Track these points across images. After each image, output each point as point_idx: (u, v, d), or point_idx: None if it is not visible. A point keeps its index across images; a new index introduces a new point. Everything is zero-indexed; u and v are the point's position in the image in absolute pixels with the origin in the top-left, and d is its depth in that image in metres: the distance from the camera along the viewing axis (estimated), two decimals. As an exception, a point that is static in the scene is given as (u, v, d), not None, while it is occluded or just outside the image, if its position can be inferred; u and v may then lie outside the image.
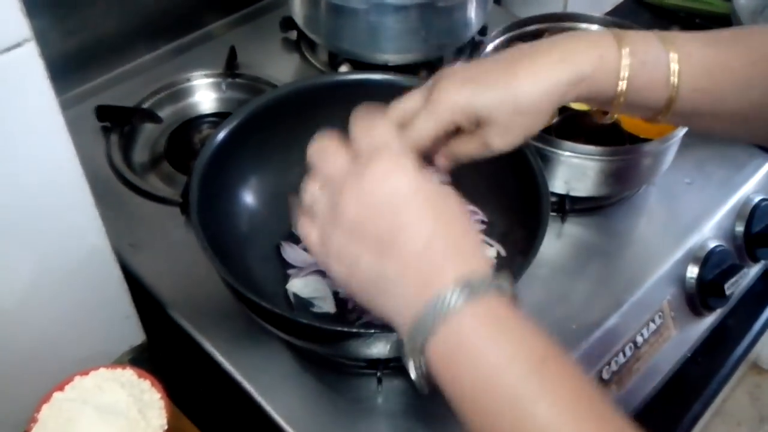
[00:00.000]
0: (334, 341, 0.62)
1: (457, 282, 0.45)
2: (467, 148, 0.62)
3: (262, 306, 0.59)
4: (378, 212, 0.48)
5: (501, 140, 0.59)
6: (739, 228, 0.87)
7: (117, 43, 1.00)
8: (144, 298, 0.76)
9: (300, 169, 0.77)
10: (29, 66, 0.54)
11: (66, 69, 0.96)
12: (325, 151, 0.54)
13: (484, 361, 0.44)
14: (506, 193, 0.75)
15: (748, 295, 0.95)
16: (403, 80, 0.76)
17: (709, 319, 0.86)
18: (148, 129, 0.94)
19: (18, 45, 0.53)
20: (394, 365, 0.69)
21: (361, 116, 0.55)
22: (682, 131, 0.80)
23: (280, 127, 0.76)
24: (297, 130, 0.77)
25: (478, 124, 0.59)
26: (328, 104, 0.77)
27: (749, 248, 0.88)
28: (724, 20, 1.19)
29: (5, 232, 0.60)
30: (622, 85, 0.57)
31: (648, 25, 1.00)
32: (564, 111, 0.84)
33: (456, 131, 0.61)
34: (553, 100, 0.58)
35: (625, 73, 0.57)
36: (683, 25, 1.24)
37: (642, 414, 0.81)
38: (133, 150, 0.92)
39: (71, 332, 0.70)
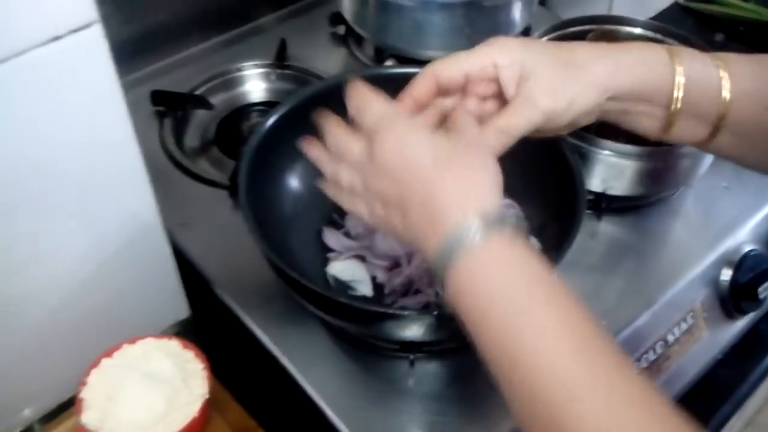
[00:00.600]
0: (371, 322, 0.65)
1: (460, 224, 0.49)
2: (516, 120, 0.58)
3: (304, 284, 0.62)
4: (388, 177, 0.54)
5: (547, 99, 0.57)
6: (776, 234, 0.88)
7: (174, 32, 1.04)
8: (191, 275, 0.80)
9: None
10: (95, 46, 0.58)
11: (124, 55, 0.97)
12: (338, 137, 0.59)
13: (496, 295, 0.48)
14: (543, 189, 0.76)
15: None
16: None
17: (742, 323, 0.87)
18: (200, 115, 0.98)
19: (86, 26, 0.56)
20: (427, 349, 0.72)
21: (354, 92, 0.60)
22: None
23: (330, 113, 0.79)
24: (343, 120, 0.80)
25: (521, 79, 0.58)
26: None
27: (786, 254, 0.88)
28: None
29: (65, 208, 0.63)
30: (678, 93, 0.58)
31: (692, 32, 1.01)
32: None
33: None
34: (607, 72, 0.57)
35: (680, 79, 0.58)
36: (727, 32, 1.24)
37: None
38: (185, 134, 0.96)
39: (121, 304, 0.73)
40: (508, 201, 0.79)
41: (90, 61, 0.59)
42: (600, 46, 0.59)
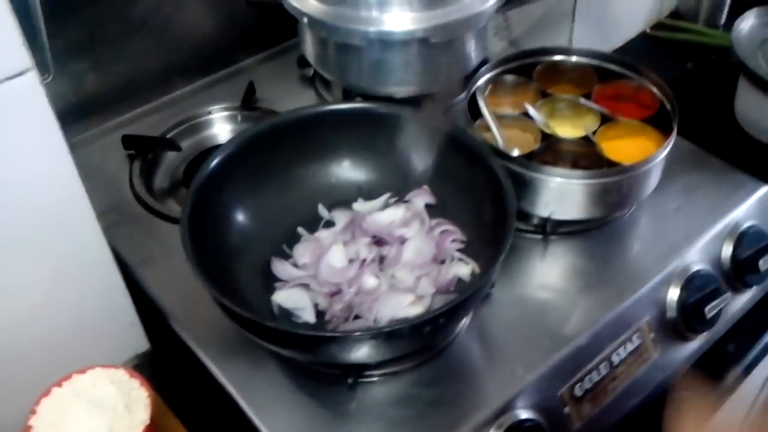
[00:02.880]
0: (309, 347, 0.67)
1: None
2: None
3: (234, 310, 0.65)
4: None
5: None
6: (726, 254, 0.88)
7: (148, 80, 1.09)
8: (150, 309, 0.83)
9: (295, 191, 0.84)
10: (31, 92, 0.62)
11: (101, 104, 1.05)
12: None
13: None
14: (482, 215, 0.79)
15: (749, 320, 0.95)
16: (389, 109, 0.84)
17: (695, 344, 0.87)
18: (170, 157, 1.02)
19: (20, 74, 0.61)
20: (367, 374, 0.74)
21: None
22: (661, 154, 0.82)
23: (278, 150, 0.83)
24: (293, 154, 0.84)
25: None
26: (319, 131, 0.84)
27: (738, 274, 0.88)
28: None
29: (18, 247, 0.67)
30: None
31: (661, 61, 1.03)
32: (546, 138, 0.87)
33: None
34: None
35: None
36: (697, 60, 1.25)
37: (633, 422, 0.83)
38: (155, 176, 1.00)
39: (77, 335, 0.76)
40: (452, 227, 0.81)
41: (28, 105, 0.62)
42: None
